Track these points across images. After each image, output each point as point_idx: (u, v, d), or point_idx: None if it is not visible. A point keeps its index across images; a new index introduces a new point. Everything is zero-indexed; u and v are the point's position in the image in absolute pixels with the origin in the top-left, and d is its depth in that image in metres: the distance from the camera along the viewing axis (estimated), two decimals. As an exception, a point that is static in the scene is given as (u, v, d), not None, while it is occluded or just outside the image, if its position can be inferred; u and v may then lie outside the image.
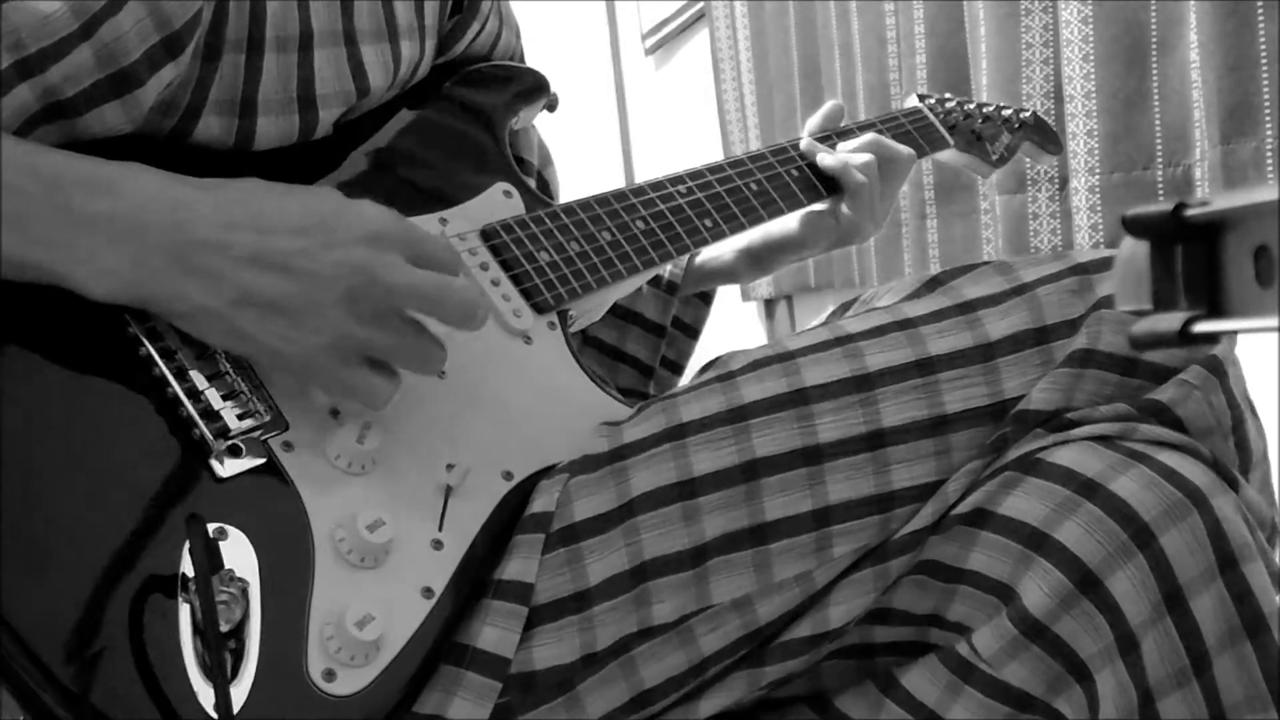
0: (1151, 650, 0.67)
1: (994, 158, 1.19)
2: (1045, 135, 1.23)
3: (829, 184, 1.05)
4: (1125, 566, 0.67)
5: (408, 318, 0.73)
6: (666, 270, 1.10)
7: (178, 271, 0.69)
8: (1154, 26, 1.44)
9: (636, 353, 1.09)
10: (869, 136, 1.07)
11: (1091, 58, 1.48)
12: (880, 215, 1.06)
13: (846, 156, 1.04)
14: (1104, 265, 0.76)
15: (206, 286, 0.69)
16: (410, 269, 0.72)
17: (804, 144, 1.06)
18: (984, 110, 1.19)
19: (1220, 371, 0.73)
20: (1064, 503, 0.69)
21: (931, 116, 1.16)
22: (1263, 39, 1.28)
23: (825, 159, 1.04)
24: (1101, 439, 0.71)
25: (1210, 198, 0.40)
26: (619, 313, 1.10)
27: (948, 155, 1.18)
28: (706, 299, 1.14)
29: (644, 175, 2.92)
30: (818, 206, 1.05)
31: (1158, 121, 1.45)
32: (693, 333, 1.13)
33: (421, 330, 0.74)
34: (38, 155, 0.68)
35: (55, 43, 0.70)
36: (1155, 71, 1.44)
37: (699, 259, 1.11)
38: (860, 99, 2.04)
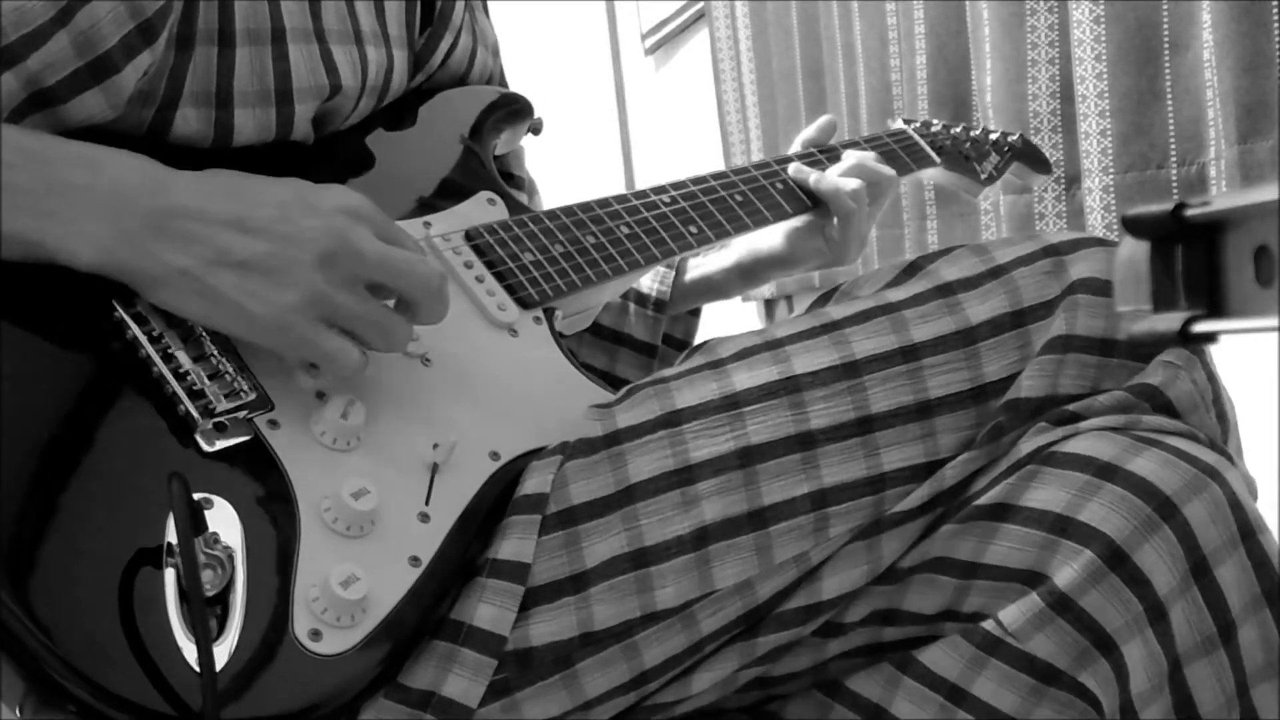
0: (1180, 619, 0.69)
1: (982, 176, 1.21)
2: (1035, 158, 1.26)
3: (814, 196, 1.07)
4: (1152, 539, 0.69)
5: (376, 294, 0.75)
6: (654, 290, 1.11)
7: (154, 236, 0.71)
8: (1165, 26, 1.45)
9: (627, 375, 1.10)
10: (854, 159, 1.10)
11: (1104, 57, 1.49)
12: (865, 236, 1.10)
13: (837, 181, 1.07)
14: (1075, 246, 0.78)
15: (181, 248, 0.71)
16: (381, 242, 0.74)
17: (792, 169, 1.08)
18: (971, 134, 1.22)
19: (1197, 348, 0.76)
20: (1085, 487, 0.70)
21: (917, 137, 1.18)
22: (1278, 39, 1.29)
23: (818, 183, 1.07)
24: (1110, 430, 0.73)
25: (1211, 197, 0.41)
26: (608, 335, 1.11)
27: (935, 174, 1.20)
28: (695, 312, 1.16)
29: (644, 176, 2.92)
30: (801, 219, 1.08)
31: (1171, 121, 1.46)
32: (683, 346, 1.13)
33: (388, 308, 0.75)
34: (25, 135, 0.71)
35: (33, 30, 0.71)
36: (1168, 71, 1.46)
37: (687, 276, 1.13)
38: (862, 99, 2.05)
